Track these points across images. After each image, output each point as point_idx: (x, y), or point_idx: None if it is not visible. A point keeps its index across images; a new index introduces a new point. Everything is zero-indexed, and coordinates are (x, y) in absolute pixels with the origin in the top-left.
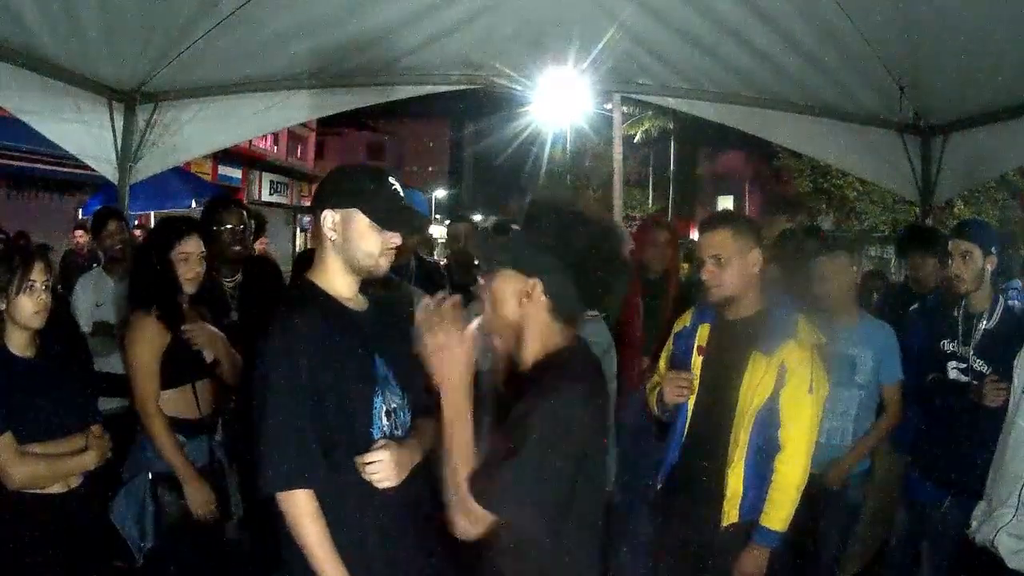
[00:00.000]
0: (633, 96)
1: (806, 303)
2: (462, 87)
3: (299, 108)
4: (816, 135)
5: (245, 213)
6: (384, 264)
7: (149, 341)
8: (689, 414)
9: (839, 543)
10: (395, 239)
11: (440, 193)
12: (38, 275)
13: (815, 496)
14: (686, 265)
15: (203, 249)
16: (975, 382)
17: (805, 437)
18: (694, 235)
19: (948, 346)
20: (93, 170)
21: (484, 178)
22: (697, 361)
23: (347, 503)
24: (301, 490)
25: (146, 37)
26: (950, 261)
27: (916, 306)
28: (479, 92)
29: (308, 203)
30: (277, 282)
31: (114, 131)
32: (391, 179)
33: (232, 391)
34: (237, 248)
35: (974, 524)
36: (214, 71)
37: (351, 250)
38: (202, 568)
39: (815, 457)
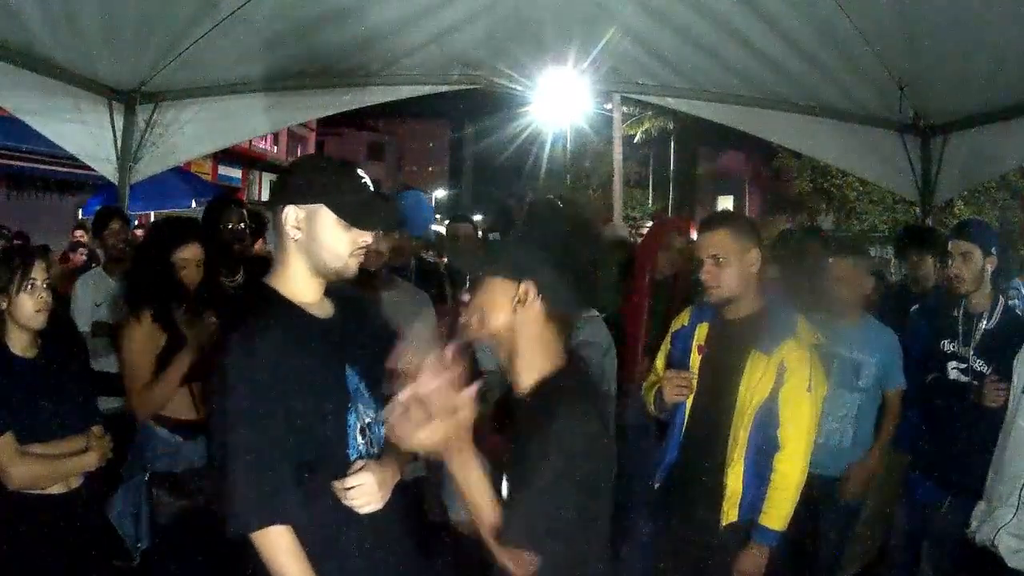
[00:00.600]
0: (633, 96)
1: (807, 303)
2: (462, 87)
3: (299, 108)
4: (816, 135)
5: (245, 213)
6: (353, 265)
7: (144, 343)
8: (688, 413)
9: (839, 543)
10: (365, 237)
11: (440, 193)
12: (39, 274)
13: (815, 496)
14: None
15: (202, 255)
16: (975, 382)
17: (804, 436)
18: (694, 235)
19: (948, 346)
20: (93, 170)
21: (484, 178)
22: (696, 360)
23: (326, 530)
24: (275, 527)
25: (146, 37)
26: (950, 261)
27: (916, 306)
28: (479, 92)
29: None
30: None
31: (114, 131)
32: (359, 171)
33: None
34: (237, 248)
35: (974, 524)
36: (214, 71)
37: (317, 250)
38: (200, 568)
39: (815, 457)
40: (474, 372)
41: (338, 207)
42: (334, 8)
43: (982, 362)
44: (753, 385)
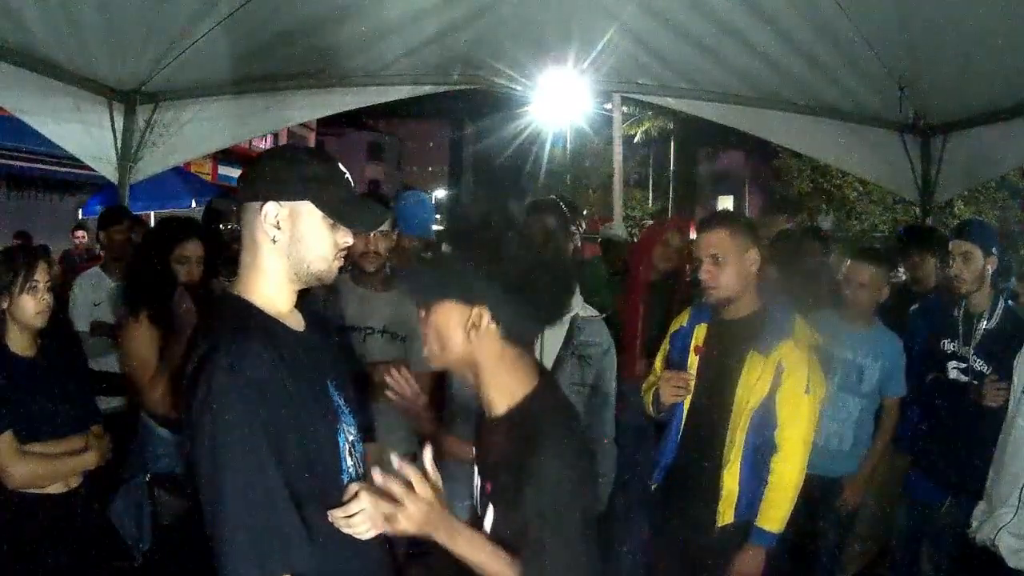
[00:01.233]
0: (633, 96)
1: (808, 303)
2: (462, 87)
3: (299, 108)
4: (816, 135)
5: None
6: (335, 268)
7: (146, 341)
8: (685, 414)
9: (839, 543)
10: (348, 238)
11: (440, 193)
12: (41, 275)
13: (814, 496)
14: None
15: (202, 252)
16: (975, 382)
17: (802, 437)
18: (694, 235)
19: (948, 346)
20: (93, 170)
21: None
22: (694, 361)
23: (328, 561)
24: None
25: (146, 37)
26: (951, 261)
27: (916, 306)
28: (479, 92)
29: None
30: None
31: (114, 131)
32: (342, 167)
33: None
34: (236, 247)
35: (974, 524)
36: (214, 71)
37: (302, 252)
38: (201, 568)
39: (815, 459)
40: (447, 394)
41: (326, 204)
42: (334, 8)
43: (982, 362)
44: (750, 386)
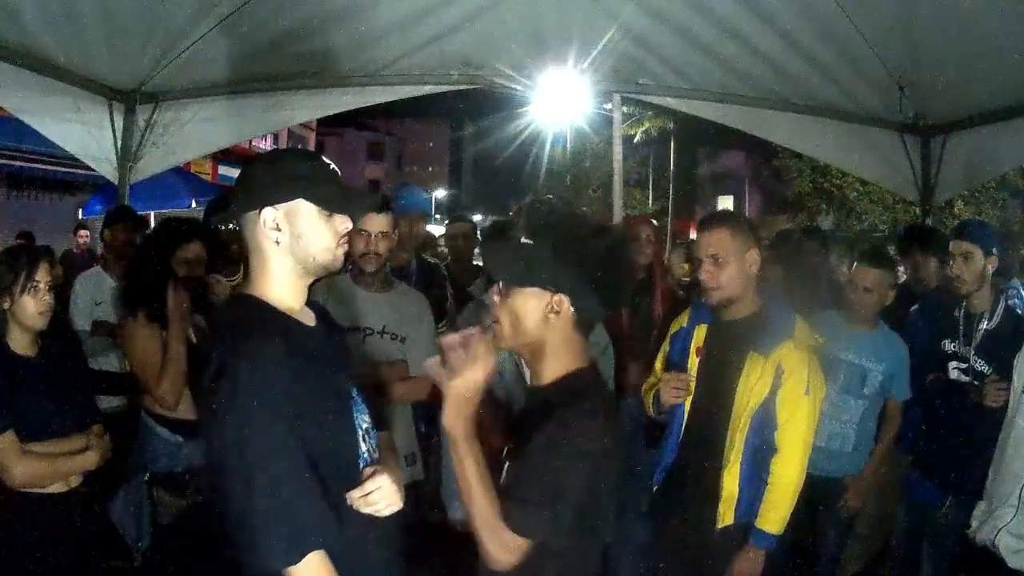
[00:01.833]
0: (633, 96)
1: (809, 303)
2: (462, 87)
3: (299, 108)
4: (816, 135)
5: None
6: (340, 255)
7: (147, 339)
8: (686, 415)
9: (839, 543)
10: (347, 224)
11: (440, 193)
12: (43, 276)
13: (815, 497)
14: (687, 265)
15: (204, 253)
16: (976, 382)
17: (802, 439)
18: (694, 235)
19: (949, 346)
20: (93, 170)
21: (484, 178)
22: (694, 362)
23: (349, 546)
24: (314, 553)
25: (146, 37)
26: (951, 262)
27: (917, 306)
28: (479, 92)
29: None
30: None
31: (114, 131)
32: (327, 160)
33: None
34: (236, 248)
35: (975, 524)
36: (214, 71)
37: (305, 247)
38: (201, 568)
39: (816, 459)
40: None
41: (318, 197)
42: (334, 8)
43: (983, 362)
44: (750, 387)
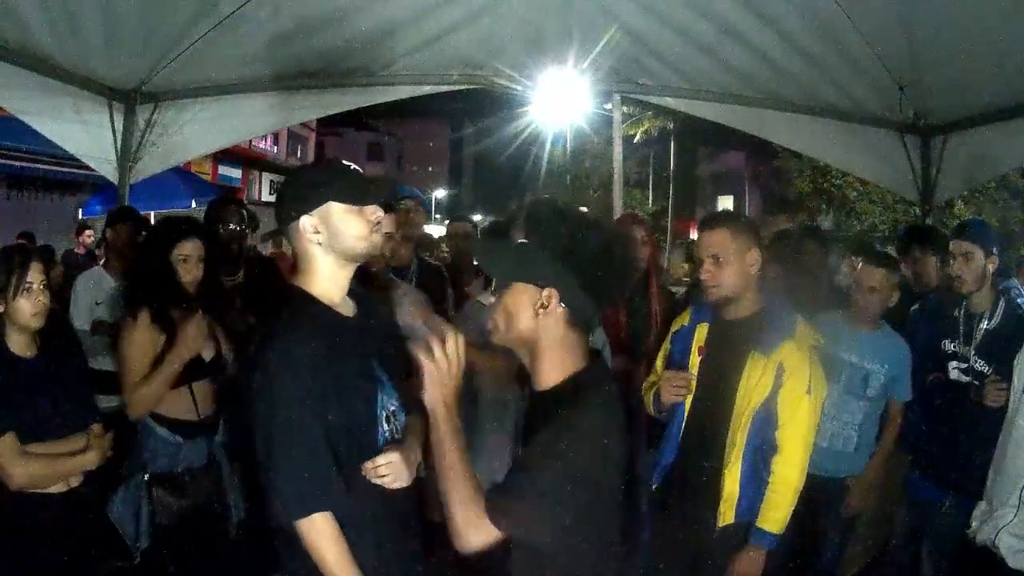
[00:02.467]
0: (633, 96)
1: (810, 304)
2: (462, 87)
3: (299, 108)
4: (816, 135)
5: (246, 213)
6: (378, 240)
7: (140, 343)
8: (686, 414)
9: (840, 543)
10: (377, 212)
11: (440, 193)
12: (35, 276)
13: (816, 497)
14: (687, 265)
15: (202, 251)
16: (976, 382)
17: (802, 438)
18: (694, 235)
19: (949, 346)
20: (93, 170)
21: (484, 178)
22: (695, 361)
23: (361, 514)
24: (319, 513)
25: (146, 37)
26: (951, 262)
27: (917, 306)
28: (479, 92)
29: None
30: (278, 283)
31: (114, 131)
32: (344, 162)
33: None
34: (236, 248)
35: (975, 524)
36: (214, 71)
37: (342, 241)
38: (200, 568)
39: (817, 459)
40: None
41: (343, 196)
42: (334, 8)
43: (983, 362)
44: (751, 386)
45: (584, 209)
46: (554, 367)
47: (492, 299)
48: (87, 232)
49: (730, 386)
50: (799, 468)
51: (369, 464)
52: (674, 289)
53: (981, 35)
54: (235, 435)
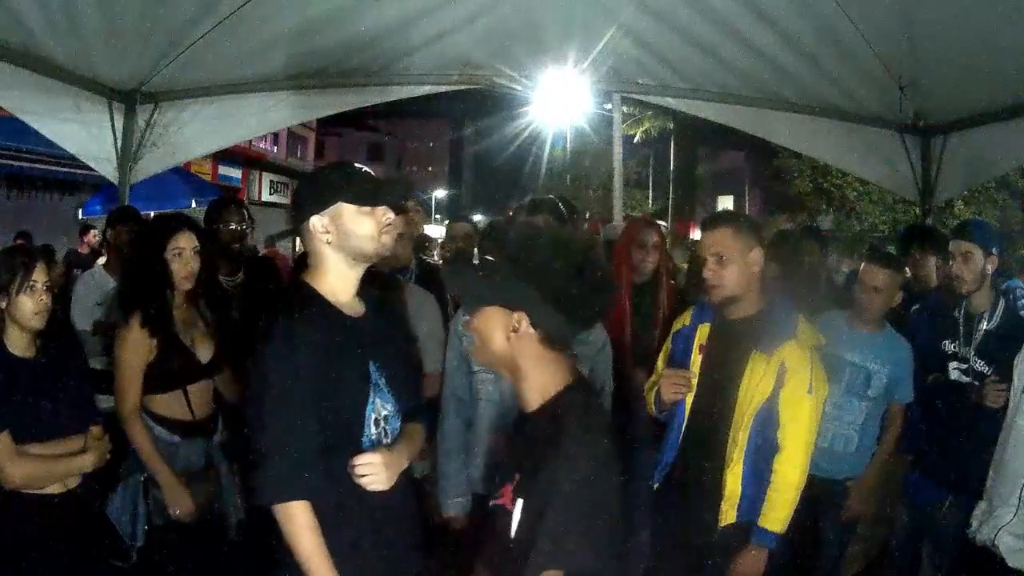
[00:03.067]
0: (633, 96)
1: (810, 303)
2: (462, 87)
3: (299, 108)
4: (816, 135)
5: (246, 213)
6: (388, 241)
7: (133, 348)
8: (687, 413)
9: (840, 544)
10: (388, 214)
11: (440, 193)
12: (39, 276)
13: (816, 497)
14: (685, 265)
15: (196, 243)
16: (976, 382)
17: (804, 438)
18: (694, 235)
19: (949, 346)
20: (93, 170)
21: (484, 178)
22: (696, 360)
23: (342, 510)
24: (297, 501)
25: (146, 37)
26: (951, 262)
27: (917, 306)
28: (479, 92)
29: None
30: (277, 283)
31: (114, 131)
32: (357, 164)
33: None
34: (236, 248)
35: (975, 524)
36: (214, 71)
37: (352, 241)
38: (199, 568)
39: (818, 460)
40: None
41: (354, 197)
42: (334, 8)
43: (983, 362)
44: (753, 386)
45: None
46: (535, 389)
47: (466, 318)
48: (92, 232)
49: (732, 386)
50: (800, 468)
51: (351, 461)
52: None
53: (981, 35)
54: (235, 435)
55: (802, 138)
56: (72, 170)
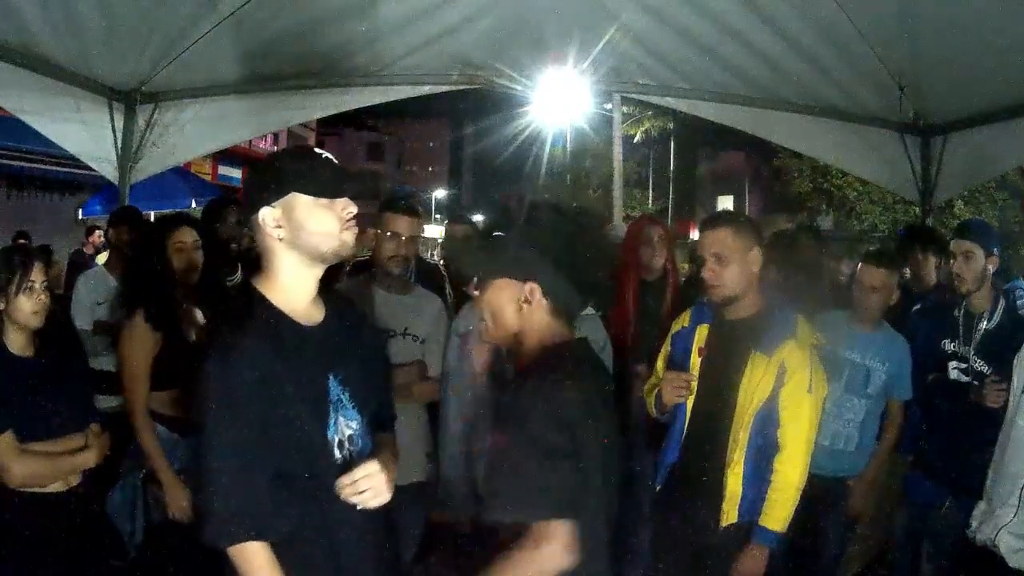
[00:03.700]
0: (633, 96)
1: (807, 303)
2: (462, 87)
3: (299, 108)
4: (816, 135)
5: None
6: (349, 239)
7: (139, 345)
8: (688, 414)
9: (840, 543)
10: (350, 207)
11: (440, 193)
12: (37, 275)
13: (816, 496)
14: (686, 265)
15: (197, 238)
16: (975, 382)
17: (804, 437)
18: (694, 235)
19: (949, 346)
20: (93, 170)
21: (484, 178)
22: (696, 362)
23: (306, 544)
24: (250, 542)
25: (146, 37)
26: (952, 261)
27: (917, 306)
28: (479, 92)
29: None
30: None
31: (114, 131)
32: (319, 151)
33: None
34: (235, 247)
35: (975, 524)
36: (214, 71)
37: (306, 239)
38: (197, 567)
39: (818, 459)
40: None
41: (311, 187)
42: (334, 8)
43: (983, 362)
44: (753, 386)
45: (574, 205)
46: (534, 347)
47: (475, 292)
48: (97, 233)
49: (731, 386)
50: (801, 467)
51: (346, 479)
52: None
53: (981, 35)
54: None
55: (802, 138)
56: (72, 170)
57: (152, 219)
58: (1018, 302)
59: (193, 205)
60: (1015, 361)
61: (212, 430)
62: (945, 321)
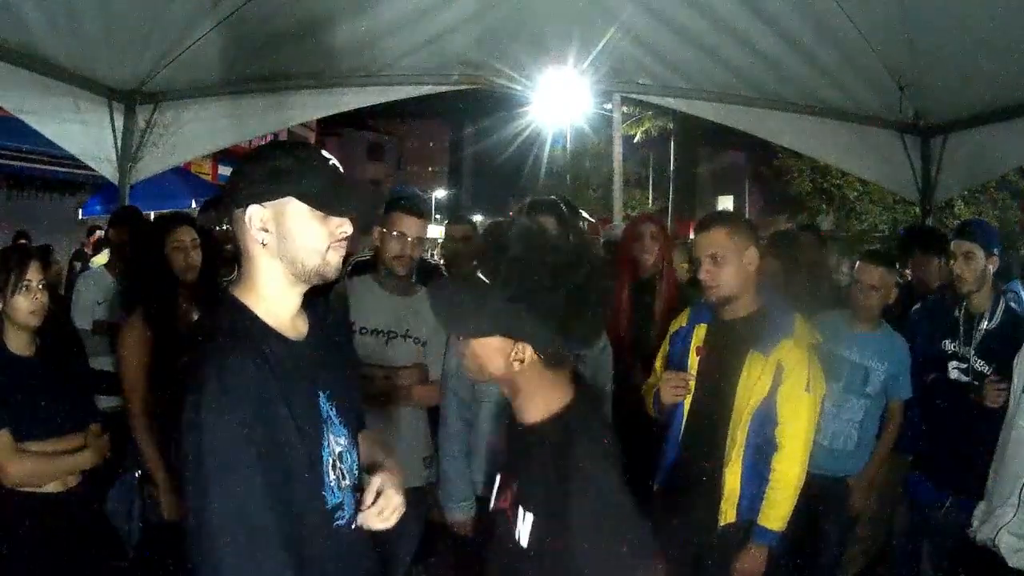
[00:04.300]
0: (633, 96)
1: (806, 302)
2: (462, 87)
3: (299, 108)
4: (816, 135)
5: None
6: (334, 260)
7: (137, 345)
8: (686, 414)
9: (840, 543)
10: (344, 226)
11: (440, 193)
12: (34, 275)
13: (816, 496)
14: (685, 265)
15: (196, 237)
16: (976, 382)
17: (802, 436)
18: (694, 235)
19: (949, 346)
20: (93, 170)
21: (484, 178)
22: (694, 361)
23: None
24: None
25: (146, 37)
26: (953, 261)
27: (918, 306)
28: (479, 92)
29: None
30: None
31: (114, 131)
32: (323, 152)
33: None
34: (231, 248)
35: (975, 524)
36: (214, 71)
37: (293, 250)
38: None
39: (818, 458)
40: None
41: (308, 196)
42: (334, 8)
43: (983, 362)
44: (751, 385)
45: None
46: (536, 405)
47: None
48: (98, 233)
49: (729, 385)
50: (799, 465)
51: (373, 510)
52: None
53: (981, 35)
54: None
55: (802, 138)
56: (72, 170)
57: (152, 219)
58: (1011, 304)
59: (193, 205)
60: (1015, 361)
61: (212, 477)
62: (945, 321)
